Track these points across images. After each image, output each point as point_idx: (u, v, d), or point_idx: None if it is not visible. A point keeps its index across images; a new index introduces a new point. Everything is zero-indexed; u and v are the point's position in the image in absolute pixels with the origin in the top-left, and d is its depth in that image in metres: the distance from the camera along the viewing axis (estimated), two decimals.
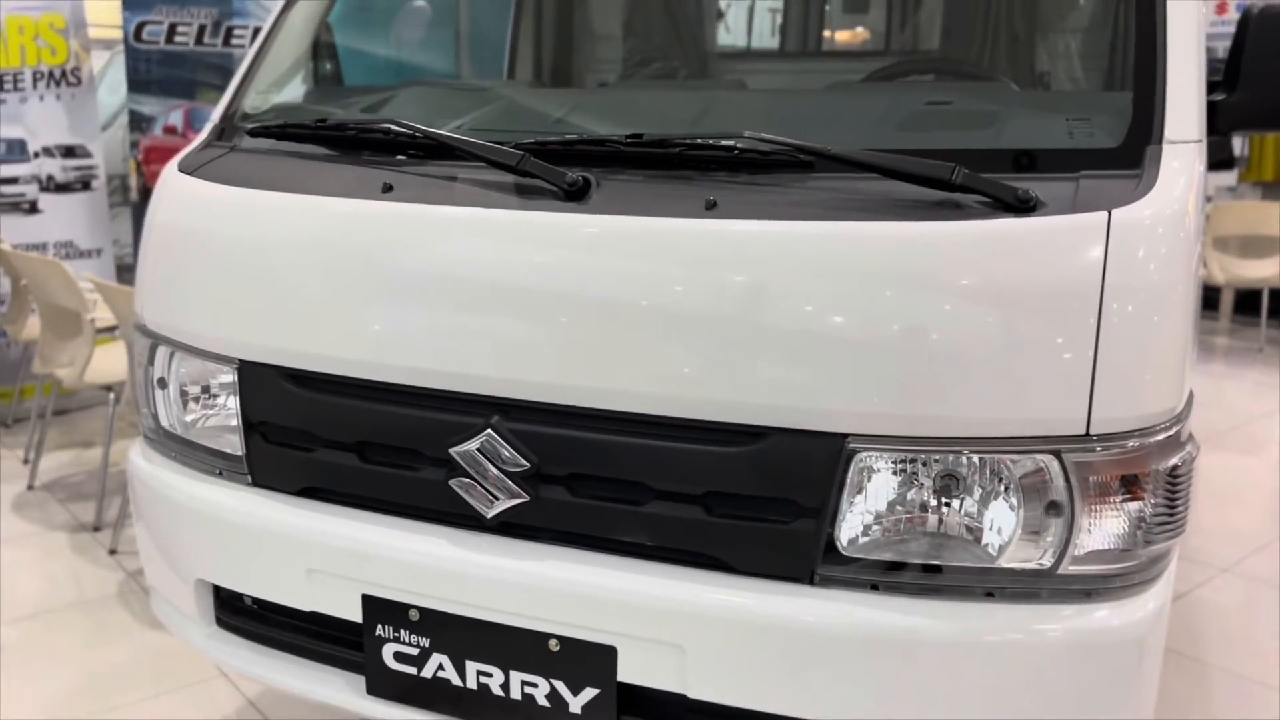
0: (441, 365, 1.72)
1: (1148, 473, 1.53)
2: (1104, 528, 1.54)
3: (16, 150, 5.29)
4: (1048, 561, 1.53)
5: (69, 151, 5.43)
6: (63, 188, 5.43)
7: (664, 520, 1.63)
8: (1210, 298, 7.52)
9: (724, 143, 1.70)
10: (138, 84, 5.41)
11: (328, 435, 1.84)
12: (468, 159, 1.81)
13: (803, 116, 2.06)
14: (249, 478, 1.94)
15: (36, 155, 5.33)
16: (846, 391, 1.53)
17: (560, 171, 1.71)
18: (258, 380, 1.89)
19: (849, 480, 1.55)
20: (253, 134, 2.14)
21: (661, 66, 3.20)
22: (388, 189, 1.82)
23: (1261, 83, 1.83)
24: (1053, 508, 1.52)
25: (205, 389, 1.98)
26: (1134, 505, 1.54)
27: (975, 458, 1.53)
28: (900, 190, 1.58)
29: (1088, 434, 1.49)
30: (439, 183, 1.83)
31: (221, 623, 2.03)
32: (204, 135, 2.25)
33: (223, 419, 1.96)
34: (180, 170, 2.10)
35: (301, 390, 1.84)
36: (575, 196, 1.70)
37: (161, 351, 2.03)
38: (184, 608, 2.06)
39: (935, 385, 1.50)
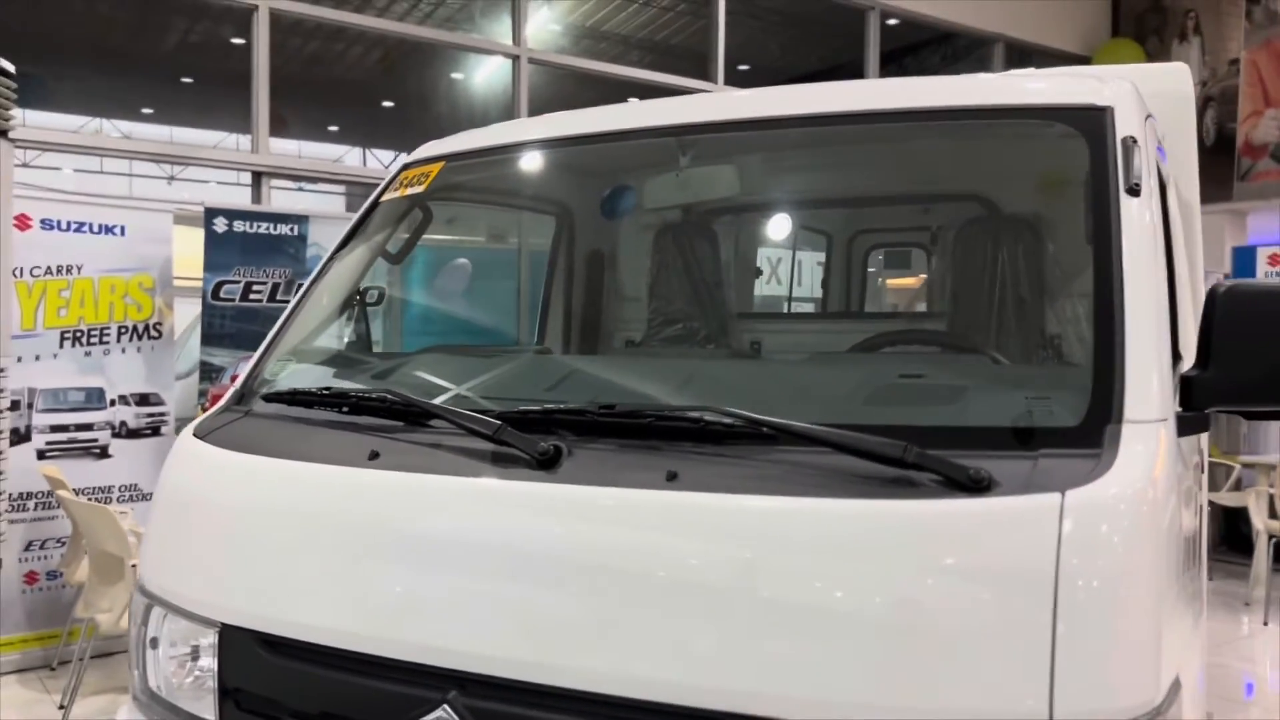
0: (404, 635, 1.72)
1: None
2: None
3: (95, 398, 5.61)
4: None
5: (143, 399, 5.74)
6: (134, 433, 5.70)
7: None
8: None
9: (690, 415, 1.75)
10: (211, 337, 5.76)
11: (293, 704, 1.83)
12: (454, 428, 1.88)
13: (782, 386, 2.11)
14: None
15: (113, 403, 5.64)
16: (793, 679, 1.48)
17: (533, 440, 1.76)
18: (236, 645, 1.90)
19: None
20: (266, 399, 2.26)
21: (683, 329, 3.32)
22: (374, 456, 1.89)
23: (1230, 361, 1.82)
24: None
25: (191, 651, 2.00)
26: None
27: None
28: (857, 466, 1.59)
29: None
30: (424, 450, 1.89)
31: None
32: (224, 400, 2.38)
33: (202, 682, 1.97)
34: (194, 434, 2.21)
35: (273, 657, 1.85)
36: (546, 465, 1.74)
37: (156, 612, 2.07)
38: None
39: (885, 675, 1.45)
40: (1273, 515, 6.81)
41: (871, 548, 1.51)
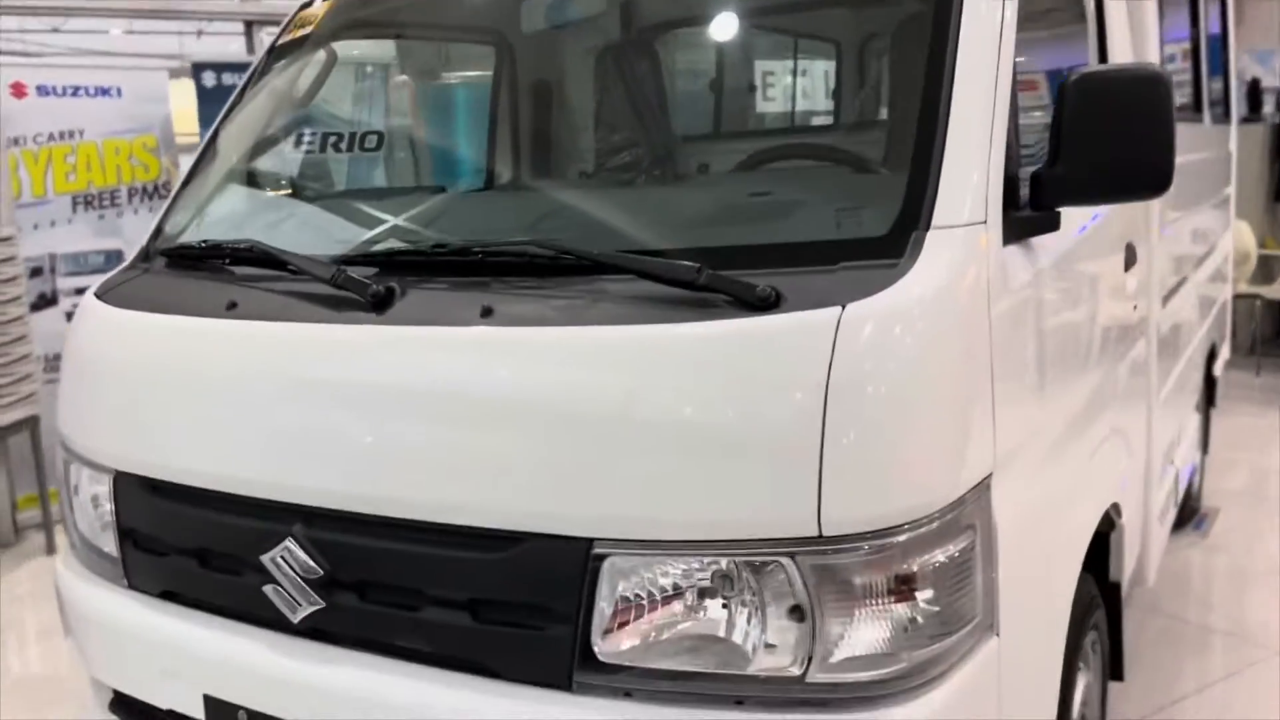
0: (256, 475, 1.81)
1: (901, 573, 1.46)
2: (857, 633, 1.47)
3: (114, 260, 5.79)
4: (796, 669, 1.48)
5: None
6: None
7: (439, 627, 1.65)
8: None
9: (510, 250, 1.75)
10: None
11: (175, 541, 1.95)
12: (307, 276, 1.91)
13: (644, 211, 2.08)
14: (125, 581, 2.07)
15: None
16: (587, 496, 1.53)
17: (365, 283, 1.79)
18: (127, 489, 2.02)
19: (599, 586, 1.53)
20: (160, 254, 2.32)
21: (629, 155, 3.26)
22: (231, 306, 1.94)
23: (1077, 152, 1.74)
24: (795, 612, 1.47)
25: (93, 498, 2.13)
26: (889, 608, 1.47)
27: (718, 561, 1.49)
28: (665, 292, 1.58)
29: (820, 535, 1.44)
30: (277, 298, 1.94)
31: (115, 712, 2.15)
32: (130, 259, 2.44)
33: (106, 524, 2.11)
34: (94, 293, 2.29)
35: (155, 499, 1.97)
36: (378, 307, 1.77)
37: (72, 465, 2.20)
38: (91, 709, 2.20)
39: (670, 489, 1.49)
40: None
41: (656, 370, 1.52)
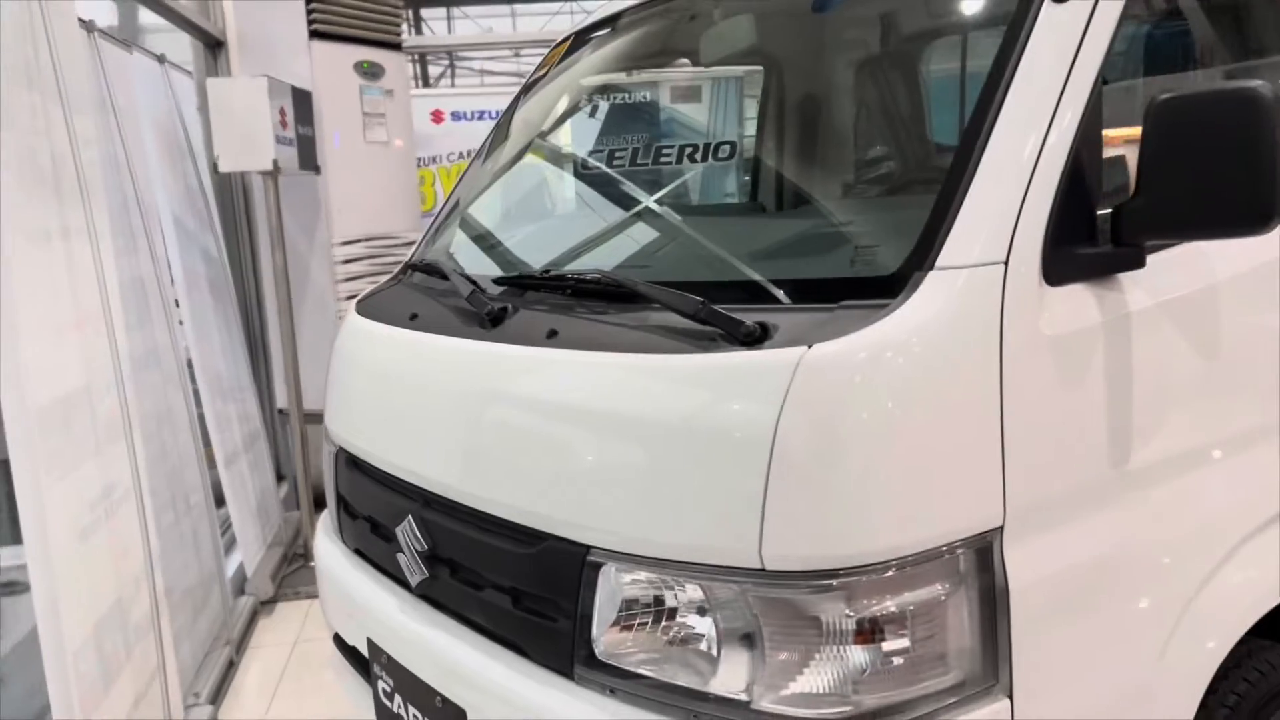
0: (399, 459, 2.16)
1: (852, 616, 1.46)
2: (806, 669, 1.49)
3: None
4: (745, 696, 1.53)
5: None
6: None
7: (494, 607, 1.89)
8: None
9: (578, 277, 1.95)
10: None
11: (360, 507, 2.37)
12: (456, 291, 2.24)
13: (718, 242, 2.14)
14: (340, 538, 2.53)
15: None
16: (586, 506, 1.68)
17: (485, 301, 2.07)
18: (339, 461, 2.49)
19: (597, 589, 1.68)
20: (412, 268, 2.78)
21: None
22: (413, 317, 2.32)
23: (1161, 183, 1.56)
24: (747, 640, 1.52)
25: (333, 470, 2.62)
26: (841, 650, 1.47)
27: (684, 581, 1.58)
28: (688, 323, 1.69)
29: (763, 569, 1.48)
30: (441, 311, 2.28)
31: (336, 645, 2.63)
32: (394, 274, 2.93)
33: (331, 494, 2.59)
34: (357, 300, 2.81)
35: (352, 472, 2.40)
36: (493, 324, 2.04)
37: (325, 442, 2.73)
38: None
39: (646, 509, 1.61)
40: None
41: (642, 396, 1.63)
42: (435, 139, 6.35)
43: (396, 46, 5.66)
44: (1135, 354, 1.68)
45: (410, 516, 2.08)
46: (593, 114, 3.66)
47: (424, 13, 12.97)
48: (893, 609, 1.46)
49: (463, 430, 1.96)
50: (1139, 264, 1.65)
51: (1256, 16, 2.33)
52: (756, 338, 1.56)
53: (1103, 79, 1.67)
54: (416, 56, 12.94)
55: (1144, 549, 1.72)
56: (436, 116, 6.35)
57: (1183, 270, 1.76)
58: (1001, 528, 1.53)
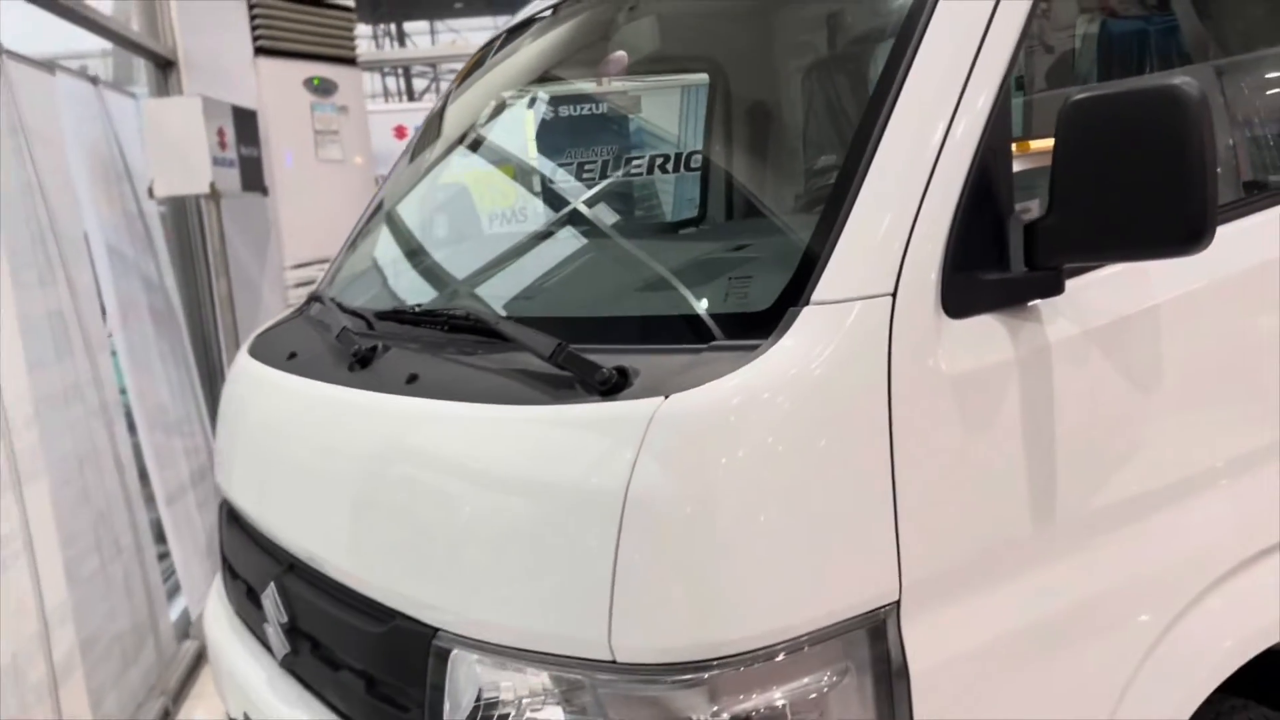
0: (265, 518, 1.95)
1: (717, 713, 1.24)
2: None
3: None
4: None
5: None
6: None
7: (349, 690, 1.67)
8: None
9: (446, 314, 1.73)
10: None
11: (232, 559, 2.16)
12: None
13: (581, 275, 1.94)
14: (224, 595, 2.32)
15: None
16: (432, 582, 1.47)
17: (355, 342, 1.86)
18: (223, 516, 2.28)
19: (448, 679, 1.47)
20: (311, 300, 2.57)
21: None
22: (291, 357, 2.11)
23: (1076, 197, 1.34)
24: None
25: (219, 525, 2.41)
26: None
27: (535, 672, 1.36)
28: (548, 367, 1.47)
29: (613, 661, 1.26)
30: (318, 349, 2.07)
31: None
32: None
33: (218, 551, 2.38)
34: (254, 335, 2.60)
35: (231, 528, 2.19)
36: (361, 365, 1.83)
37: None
38: None
39: (491, 586, 1.39)
40: None
41: (487, 455, 1.42)
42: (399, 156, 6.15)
43: (351, 61, 5.48)
44: (1057, 392, 1.45)
45: (273, 583, 1.87)
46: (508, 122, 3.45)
47: (407, 26, 12.82)
48: (771, 704, 1.24)
49: (320, 487, 1.75)
50: (1056, 290, 1.42)
51: (1211, 12, 2.11)
52: (613, 385, 1.34)
53: (1015, 82, 1.46)
54: (401, 71, 12.81)
55: (1078, 614, 1.49)
56: (400, 132, 6.17)
57: (1117, 292, 1.54)
58: (898, 602, 1.31)
